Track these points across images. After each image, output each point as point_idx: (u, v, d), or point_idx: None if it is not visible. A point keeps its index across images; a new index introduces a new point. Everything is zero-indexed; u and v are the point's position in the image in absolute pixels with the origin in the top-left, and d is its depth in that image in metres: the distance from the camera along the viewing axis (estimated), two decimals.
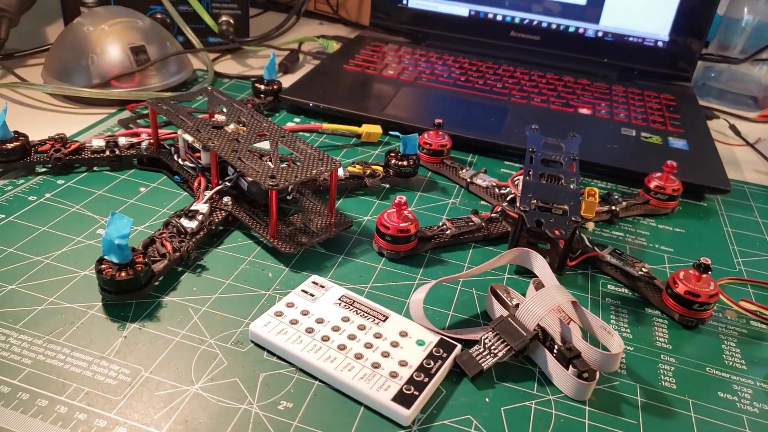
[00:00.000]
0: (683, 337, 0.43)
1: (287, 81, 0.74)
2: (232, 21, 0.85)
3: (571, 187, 0.48)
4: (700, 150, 0.66)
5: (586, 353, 0.36)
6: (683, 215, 0.57)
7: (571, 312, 0.39)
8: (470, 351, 0.38)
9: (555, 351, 0.37)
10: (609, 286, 0.47)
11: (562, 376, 0.37)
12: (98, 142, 0.55)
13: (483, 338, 0.38)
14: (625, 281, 0.47)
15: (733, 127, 0.75)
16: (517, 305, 0.40)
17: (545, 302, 0.38)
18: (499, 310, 0.41)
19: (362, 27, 1.01)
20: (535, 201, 0.46)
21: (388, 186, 0.57)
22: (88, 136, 0.60)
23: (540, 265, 0.41)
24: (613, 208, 0.54)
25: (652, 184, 0.56)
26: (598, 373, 0.36)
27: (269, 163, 0.46)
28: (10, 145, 0.52)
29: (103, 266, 0.39)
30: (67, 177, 0.53)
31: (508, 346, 0.37)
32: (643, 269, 0.46)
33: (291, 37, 0.91)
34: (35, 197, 0.50)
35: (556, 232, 0.43)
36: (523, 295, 0.42)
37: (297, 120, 0.68)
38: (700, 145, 0.67)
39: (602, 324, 0.38)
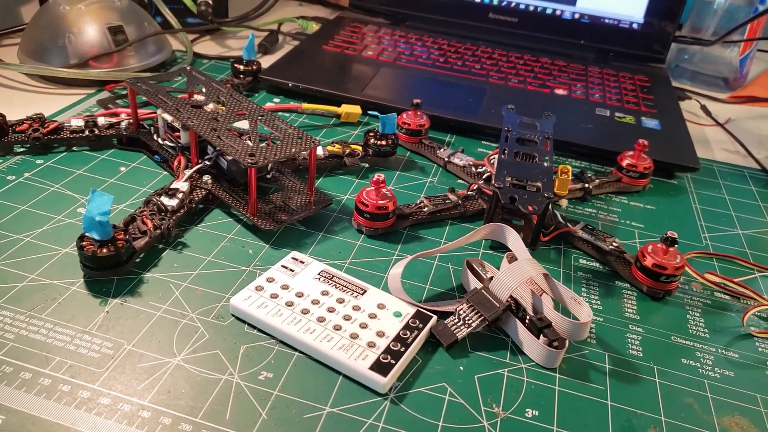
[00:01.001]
0: (651, 308, 0.44)
1: (266, 61, 0.74)
2: (210, 1, 0.84)
3: (545, 165, 0.49)
4: (671, 130, 0.67)
5: (557, 323, 0.38)
6: (654, 193, 0.59)
7: (542, 284, 0.40)
8: (445, 321, 0.39)
9: (527, 321, 0.39)
10: (581, 261, 0.48)
11: (533, 345, 0.38)
12: (77, 122, 0.55)
13: (458, 309, 0.39)
14: (596, 255, 0.48)
15: (704, 108, 0.77)
16: (491, 278, 0.41)
17: (517, 275, 0.39)
18: (474, 283, 0.42)
19: (342, 8, 1.01)
20: (509, 178, 0.47)
21: (367, 165, 0.58)
22: (66, 116, 0.60)
23: (513, 239, 0.42)
24: (586, 185, 0.56)
25: (624, 162, 0.57)
26: (567, 342, 0.38)
27: (248, 141, 0.46)
28: None
29: (84, 243, 0.40)
30: (46, 157, 0.53)
31: (482, 317, 0.38)
32: (614, 244, 0.48)
33: (270, 18, 0.91)
34: (14, 177, 0.50)
35: (529, 207, 0.44)
36: (498, 269, 0.43)
37: (276, 100, 0.69)
38: (672, 125, 0.68)
39: (573, 295, 0.39)
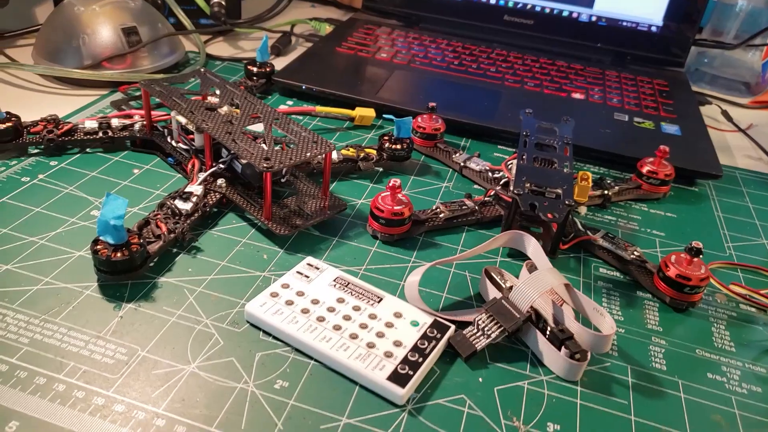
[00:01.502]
0: (674, 319, 0.43)
1: (279, 63, 0.74)
2: (223, 2, 0.84)
3: (565, 171, 0.48)
4: (692, 135, 0.66)
5: (579, 334, 0.37)
6: (675, 200, 0.58)
7: (564, 294, 0.39)
8: (464, 332, 0.38)
9: (548, 332, 0.38)
10: (601, 270, 0.47)
11: (554, 357, 0.37)
12: (91, 124, 0.55)
13: (476, 319, 0.38)
14: (617, 265, 0.47)
15: (725, 113, 0.76)
16: (511, 287, 0.40)
17: (538, 285, 0.38)
18: (492, 293, 0.41)
19: (355, 9, 1.00)
20: (528, 185, 0.46)
21: (381, 170, 0.57)
22: (80, 118, 0.59)
23: (533, 247, 0.41)
24: (606, 192, 0.55)
25: (645, 169, 0.56)
26: (589, 354, 0.37)
27: (263, 145, 0.46)
28: (2, 126, 0.51)
29: (98, 247, 0.39)
30: (60, 158, 0.53)
31: (501, 328, 0.38)
32: (635, 253, 0.47)
33: (283, 20, 0.90)
34: (28, 178, 0.50)
35: (550, 215, 0.43)
36: (517, 277, 0.42)
37: (290, 103, 0.68)
38: (693, 131, 0.67)
39: (595, 306, 0.38)
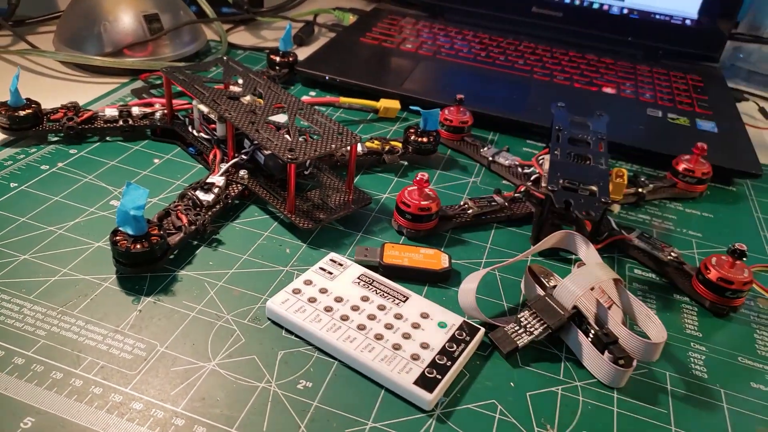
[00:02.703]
0: (713, 325, 0.41)
1: (302, 53, 0.72)
2: None
3: (600, 167, 0.46)
4: (729, 133, 0.64)
5: (625, 339, 0.35)
6: (711, 199, 0.55)
7: (613, 293, 0.38)
8: (505, 328, 0.37)
9: (591, 335, 0.36)
10: (636, 271, 0.45)
11: (596, 361, 0.35)
12: (111, 112, 0.54)
13: (519, 316, 0.37)
14: (653, 266, 0.45)
15: (762, 110, 0.73)
16: (555, 286, 0.38)
17: (585, 280, 0.36)
18: (536, 290, 0.40)
19: (378, 0, 0.98)
20: (562, 181, 0.44)
21: (406, 163, 0.56)
22: (100, 106, 0.58)
23: (584, 248, 0.40)
24: (640, 190, 0.53)
25: (681, 167, 0.54)
26: (635, 361, 0.35)
27: (287, 136, 0.44)
28: (22, 113, 0.50)
29: (117, 238, 0.38)
30: (80, 146, 0.52)
31: (545, 324, 0.36)
32: (672, 254, 0.45)
33: (306, 9, 0.89)
34: (48, 166, 0.49)
35: (585, 213, 0.41)
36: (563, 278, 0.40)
37: (312, 93, 0.67)
38: (729, 128, 0.65)
39: (647, 311, 0.36)
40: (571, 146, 0.49)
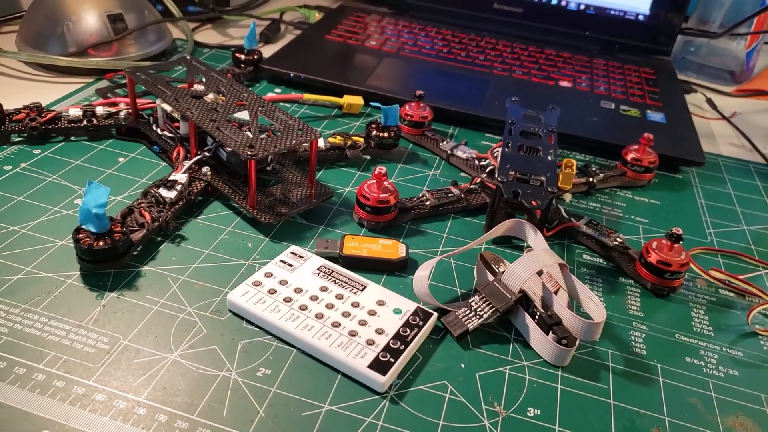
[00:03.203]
0: (655, 305, 0.44)
1: (268, 51, 0.73)
2: None
3: (549, 158, 0.49)
4: (677, 123, 0.66)
5: (569, 321, 0.37)
6: (659, 187, 0.58)
7: (558, 276, 0.40)
8: (456, 313, 0.39)
9: (537, 317, 0.38)
10: (584, 256, 0.48)
11: (542, 342, 0.38)
12: (75, 112, 0.54)
13: (470, 301, 0.39)
14: (600, 251, 0.48)
15: (709, 101, 0.76)
16: (503, 272, 0.40)
17: (531, 264, 0.38)
18: (486, 277, 0.42)
19: None
20: (513, 172, 0.46)
21: (369, 158, 0.57)
22: (64, 106, 0.59)
23: (533, 235, 0.42)
24: (590, 179, 0.55)
25: (629, 157, 0.57)
26: (578, 340, 0.37)
27: (248, 133, 0.46)
28: None
29: (80, 235, 0.39)
30: (44, 147, 0.53)
31: (493, 308, 0.38)
32: (618, 239, 0.47)
33: (272, 7, 0.89)
34: (10, 167, 0.50)
35: (533, 202, 0.43)
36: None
37: (278, 90, 0.68)
38: (678, 119, 0.67)
39: (589, 294, 0.38)
40: (522, 139, 0.51)
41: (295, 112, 0.64)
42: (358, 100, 0.64)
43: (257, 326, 0.38)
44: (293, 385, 0.35)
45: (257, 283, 0.40)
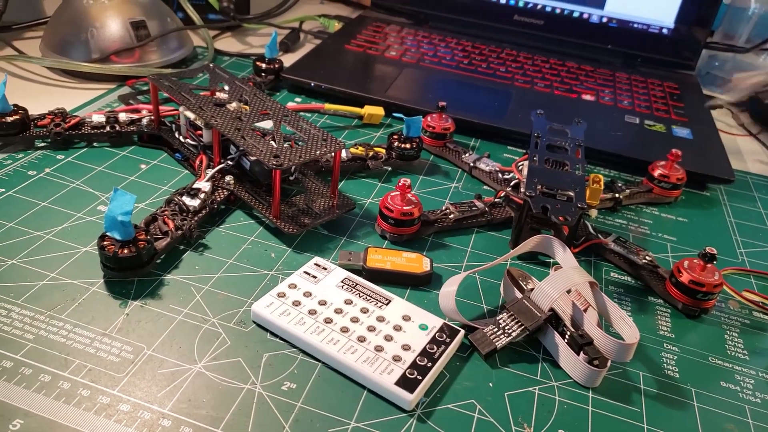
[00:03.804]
0: (686, 326, 0.43)
1: (288, 60, 0.73)
2: None
3: (577, 173, 0.48)
4: (703, 139, 0.66)
5: (600, 340, 0.36)
6: (686, 204, 0.57)
7: (588, 295, 0.39)
8: (484, 330, 0.38)
9: (567, 336, 0.37)
10: (612, 274, 0.47)
11: (572, 362, 0.37)
12: (98, 118, 0.54)
13: (498, 318, 0.38)
14: (629, 269, 0.47)
15: (736, 117, 0.75)
16: (532, 289, 0.40)
17: (560, 283, 0.37)
18: (514, 293, 0.41)
19: (363, 7, 1.00)
20: (540, 186, 0.46)
21: (390, 169, 0.57)
22: (87, 112, 0.59)
23: (561, 252, 0.41)
24: (617, 195, 0.54)
25: (656, 173, 0.56)
26: (609, 361, 0.36)
27: (272, 142, 0.45)
28: (9, 119, 0.51)
29: (105, 242, 0.39)
30: (67, 152, 0.52)
31: (522, 326, 0.37)
32: (647, 257, 0.46)
33: (292, 16, 0.90)
34: (35, 172, 0.49)
35: (562, 218, 0.43)
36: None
37: (298, 100, 0.68)
38: (704, 135, 0.67)
39: (621, 313, 0.37)
40: (549, 153, 0.50)
41: (316, 122, 0.64)
42: (379, 111, 0.64)
43: (282, 338, 0.37)
44: (319, 401, 0.34)
45: (281, 295, 0.39)
